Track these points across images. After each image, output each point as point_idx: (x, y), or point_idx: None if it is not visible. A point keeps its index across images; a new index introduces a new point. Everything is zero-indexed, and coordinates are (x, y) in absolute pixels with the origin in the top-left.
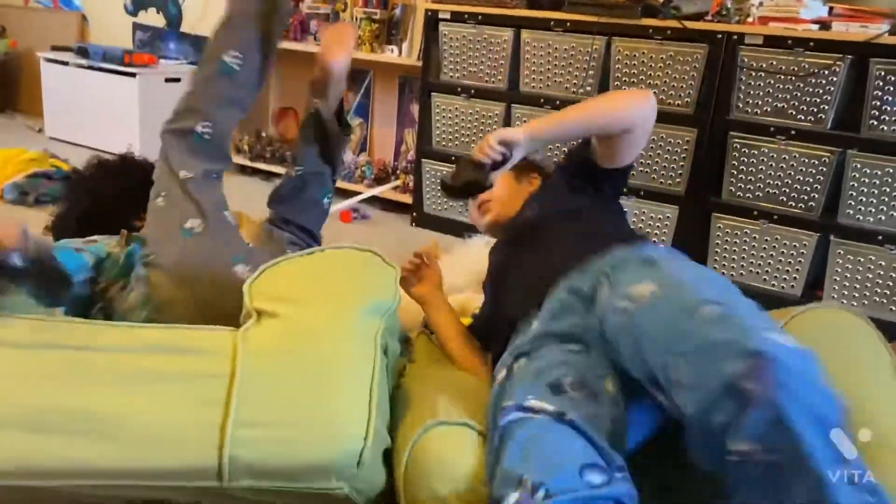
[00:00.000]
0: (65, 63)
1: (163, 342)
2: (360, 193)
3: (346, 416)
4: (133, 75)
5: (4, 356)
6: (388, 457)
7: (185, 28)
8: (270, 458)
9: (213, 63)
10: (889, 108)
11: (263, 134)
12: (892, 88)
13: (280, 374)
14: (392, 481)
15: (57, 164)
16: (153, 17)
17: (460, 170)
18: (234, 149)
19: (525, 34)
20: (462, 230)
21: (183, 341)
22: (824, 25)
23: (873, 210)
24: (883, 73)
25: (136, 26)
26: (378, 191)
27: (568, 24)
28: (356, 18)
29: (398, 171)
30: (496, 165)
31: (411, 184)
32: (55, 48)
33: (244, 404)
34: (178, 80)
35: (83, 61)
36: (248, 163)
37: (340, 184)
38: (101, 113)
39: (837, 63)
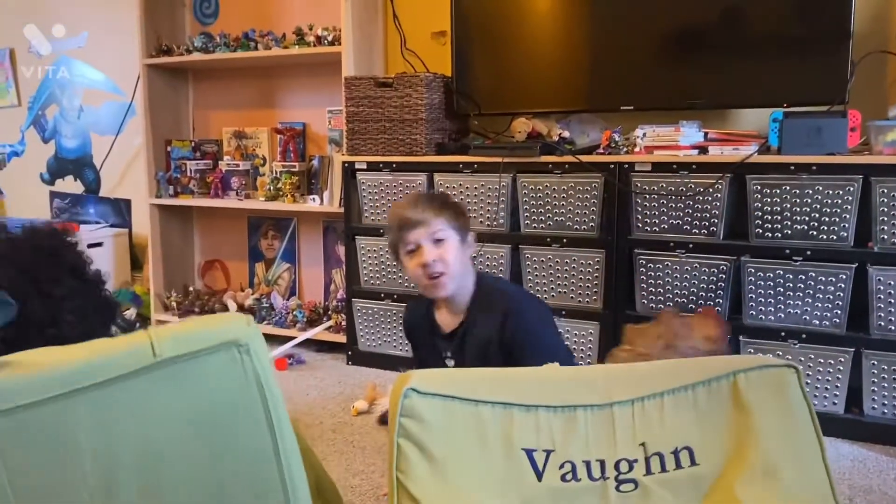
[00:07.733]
0: None
1: None
2: (293, 339)
3: None
4: None
5: None
6: None
7: (103, 193)
8: None
9: None
10: (770, 217)
11: (191, 289)
12: (769, 200)
13: None
14: None
15: None
16: (70, 185)
17: None
18: (161, 306)
19: (437, 177)
20: (397, 364)
21: None
22: (702, 150)
23: (773, 309)
24: (759, 188)
25: (53, 194)
26: (311, 333)
27: (475, 165)
28: (275, 172)
29: (329, 312)
30: None
31: (344, 323)
32: None
33: None
34: (100, 244)
35: None
36: (177, 320)
37: (273, 330)
38: None
39: (720, 181)
